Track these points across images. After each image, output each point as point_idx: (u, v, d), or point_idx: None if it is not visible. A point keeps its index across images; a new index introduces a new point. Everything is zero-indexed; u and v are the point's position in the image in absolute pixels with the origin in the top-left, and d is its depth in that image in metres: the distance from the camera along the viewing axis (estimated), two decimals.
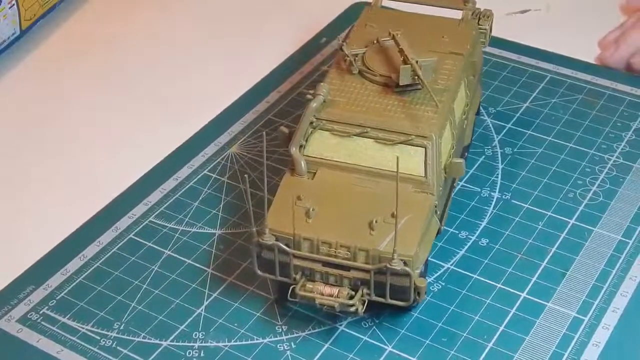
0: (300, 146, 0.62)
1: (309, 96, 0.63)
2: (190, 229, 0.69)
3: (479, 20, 0.72)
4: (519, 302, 0.63)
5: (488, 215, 0.69)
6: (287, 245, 0.59)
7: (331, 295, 0.59)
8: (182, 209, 0.70)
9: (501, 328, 0.61)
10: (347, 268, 0.59)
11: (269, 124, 0.77)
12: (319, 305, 0.59)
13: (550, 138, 0.75)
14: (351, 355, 0.60)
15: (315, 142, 0.62)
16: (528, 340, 0.60)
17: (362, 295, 0.59)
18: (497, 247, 0.66)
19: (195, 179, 0.73)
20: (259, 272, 0.60)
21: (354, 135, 0.62)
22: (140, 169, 0.74)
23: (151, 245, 0.68)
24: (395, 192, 0.59)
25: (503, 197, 0.70)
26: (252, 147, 0.75)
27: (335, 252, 0.58)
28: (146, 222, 0.69)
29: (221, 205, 0.70)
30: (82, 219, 0.70)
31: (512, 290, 0.63)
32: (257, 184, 0.72)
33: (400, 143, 0.61)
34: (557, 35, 0.86)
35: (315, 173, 0.62)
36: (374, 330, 0.61)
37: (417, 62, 0.62)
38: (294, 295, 0.59)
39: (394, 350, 0.60)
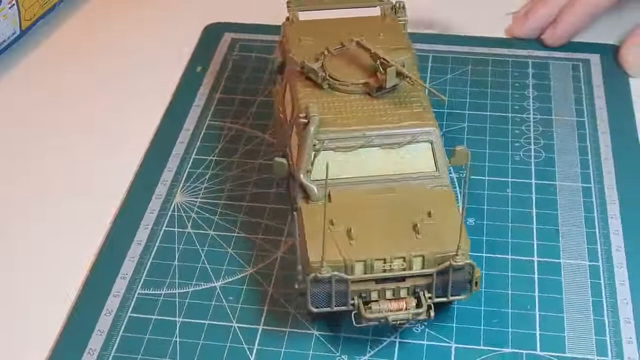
0: (307, 171, 0.60)
1: (302, 120, 0.61)
2: (187, 290, 0.64)
3: (396, 12, 0.73)
4: (535, 266, 0.65)
5: (458, 196, 0.71)
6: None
7: (400, 309, 0.58)
8: (165, 272, 0.65)
9: (536, 294, 0.63)
10: (402, 278, 0.58)
11: (199, 165, 0.73)
12: (391, 322, 0.57)
13: (467, 111, 0.78)
14: None
15: (321, 164, 0.61)
16: (565, 297, 0.63)
17: (425, 300, 0.58)
18: (485, 222, 0.68)
19: (159, 238, 0.67)
20: (313, 309, 0.58)
21: (359, 147, 0.61)
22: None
23: (157, 317, 0.62)
24: (411, 191, 0.59)
25: (460, 175, 0.72)
26: (195, 192, 0.71)
27: (390, 266, 0.57)
28: (135, 296, 0.63)
29: (203, 257, 0.66)
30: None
31: (524, 258, 0.66)
32: (223, 225, 0.68)
33: (407, 144, 0.61)
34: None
35: (329, 195, 0.60)
36: (428, 332, 0.61)
37: (394, 62, 0.62)
38: (360, 321, 0.58)
39: (459, 345, 0.60)
